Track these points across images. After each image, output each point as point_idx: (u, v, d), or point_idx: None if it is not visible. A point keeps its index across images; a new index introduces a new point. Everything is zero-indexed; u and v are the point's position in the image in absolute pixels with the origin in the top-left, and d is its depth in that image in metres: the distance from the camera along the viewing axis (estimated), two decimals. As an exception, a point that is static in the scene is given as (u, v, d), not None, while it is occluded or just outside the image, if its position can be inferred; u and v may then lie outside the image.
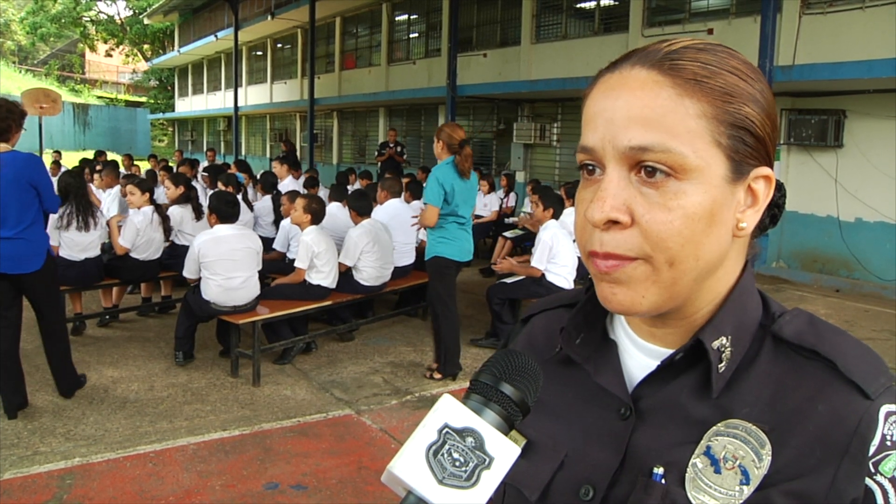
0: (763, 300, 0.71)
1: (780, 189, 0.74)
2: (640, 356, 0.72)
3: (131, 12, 38.98)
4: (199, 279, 4.87)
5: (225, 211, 4.93)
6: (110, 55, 41.58)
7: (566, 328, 0.75)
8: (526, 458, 0.56)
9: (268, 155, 24.23)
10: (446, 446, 0.55)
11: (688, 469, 0.64)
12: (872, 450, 0.59)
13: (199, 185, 8.49)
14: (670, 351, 0.69)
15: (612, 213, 0.61)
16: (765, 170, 0.65)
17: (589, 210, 0.63)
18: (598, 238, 0.63)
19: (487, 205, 10.26)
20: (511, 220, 10.13)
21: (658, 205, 0.61)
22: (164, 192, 7.21)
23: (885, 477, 0.59)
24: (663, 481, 0.64)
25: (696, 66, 0.62)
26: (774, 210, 0.74)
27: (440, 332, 4.89)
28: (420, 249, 6.57)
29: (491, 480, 0.54)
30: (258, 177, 8.43)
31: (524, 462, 0.56)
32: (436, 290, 4.84)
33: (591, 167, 0.66)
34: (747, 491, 0.61)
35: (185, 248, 5.34)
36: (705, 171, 0.61)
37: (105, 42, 40.24)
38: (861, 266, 8.85)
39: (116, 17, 39.95)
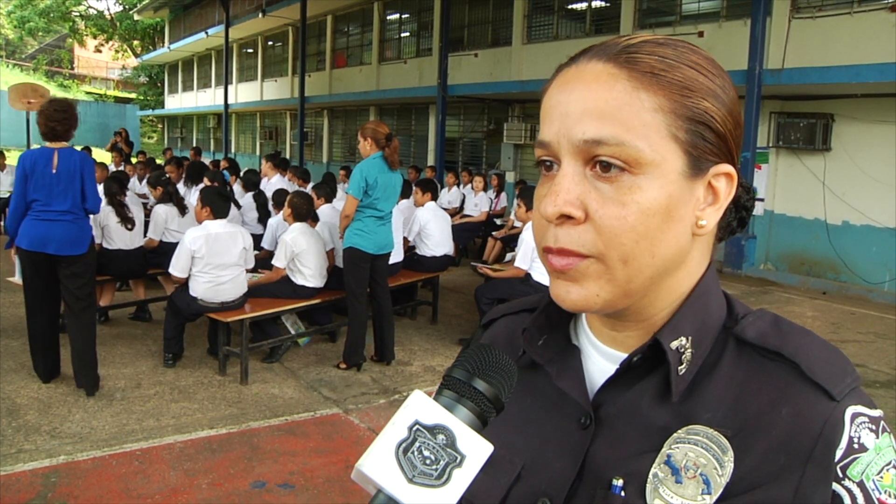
0: (727, 302, 0.69)
1: (748, 192, 0.73)
2: (601, 361, 0.70)
3: (121, 8, 38.74)
4: (186, 278, 4.85)
5: (219, 205, 4.91)
6: (100, 51, 41.34)
7: (528, 329, 0.73)
8: (482, 470, 0.55)
9: (258, 153, 24.15)
10: (416, 444, 0.53)
11: (648, 480, 0.61)
12: (839, 454, 0.57)
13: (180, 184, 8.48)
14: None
15: (564, 208, 0.60)
16: (726, 167, 0.63)
17: (542, 204, 0.62)
18: (552, 233, 0.62)
19: (478, 205, 10.23)
20: (500, 221, 10.14)
21: (612, 200, 0.59)
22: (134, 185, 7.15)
23: (853, 481, 0.57)
24: (622, 493, 0.62)
25: (653, 60, 0.61)
26: (742, 213, 0.72)
27: (349, 322, 5.08)
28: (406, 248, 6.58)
29: (462, 479, 0.53)
30: (241, 175, 8.41)
31: (480, 474, 0.54)
32: (347, 281, 4.99)
33: (548, 163, 0.64)
34: (710, 500, 0.59)
35: (171, 246, 5.31)
36: (661, 166, 0.60)
37: (94, 37, 39.98)
38: (848, 269, 8.92)
39: (106, 13, 39.69)
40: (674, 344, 0.64)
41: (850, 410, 0.59)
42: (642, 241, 0.60)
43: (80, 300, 4.36)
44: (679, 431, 0.62)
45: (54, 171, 4.20)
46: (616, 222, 0.59)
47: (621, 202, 0.59)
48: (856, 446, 0.58)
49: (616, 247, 0.60)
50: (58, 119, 4.24)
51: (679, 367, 0.63)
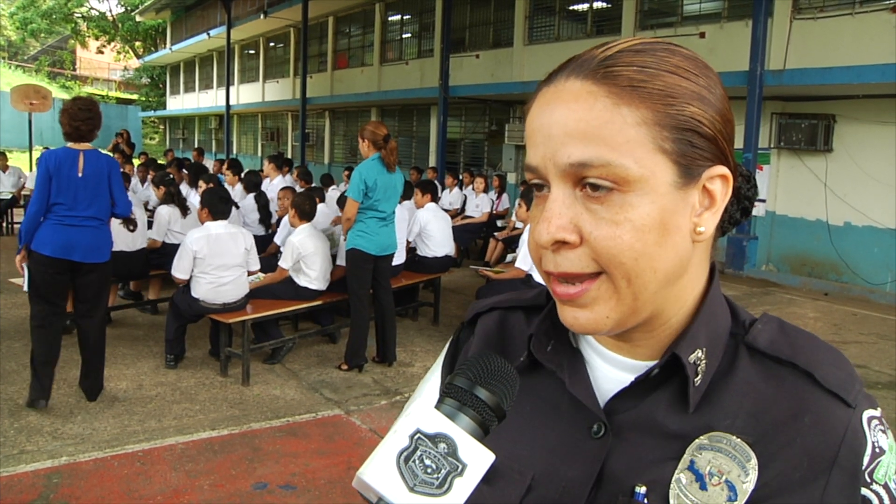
0: (730, 307, 0.69)
1: (749, 181, 0.72)
2: (607, 368, 0.69)
3: (123, 9, 38.78)
4: (188, 280, 4.85)
5: (218, 207, 4.91)
6: (102, 52, 41.38)
7: (535, 334, 0.71)
8: (489, 483, 0.53)
9: (259, 154, 24.17)
10: (418, 452, 0.53)
11: (671, 486, 0.61)
12: (866, 461, 0.59)
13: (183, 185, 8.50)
14: (639, 362, 0.67)
15: (557, 234, 0.59)
16: (720, 169, 0.62)
17: (536, 232, 0.61)
18: (551, 259, 0.61)
19: (479, 206, 10.23)
20: (501, 222, 10.14)
21: (605, 220, 0.58)
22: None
23: (880, 485, 0.59)
24: (646, 501, 0.61)
25: (631, 71, 0.59)
26: (745, 203, 0.72)
27: (351, 323, 5.09)
28: (409, 249, 6.59)
29: (464, 488, 0.53)
30: (242, 176, 8.38)
31: (487, 489, 0.53)
32: (350, 282, 5.00)
33: (539, 185, 0.63)
34: None
35: (173, 247, 5.32)
36: (650, 181, 0.58)
37: (96, 39, 40.04)
38: (849, 270, 8.91)
39: (108, 14, 39.75)
40: (691, 357, 0.63)
41: (865, 415, 0.61)
42: (642, 259, 0.59)
43: (95, 307, 4.23)
44: (702, 438, 0.62)
45: (80, 174, 3.98)
46: (612, 242, 0.58)
47: (614, 221, 0.58)
48: (877, 450, 0.60)
49: (616, 266, 0.59)
50: (82, 118, 4.05)
51: (696, 379, 0.63)
